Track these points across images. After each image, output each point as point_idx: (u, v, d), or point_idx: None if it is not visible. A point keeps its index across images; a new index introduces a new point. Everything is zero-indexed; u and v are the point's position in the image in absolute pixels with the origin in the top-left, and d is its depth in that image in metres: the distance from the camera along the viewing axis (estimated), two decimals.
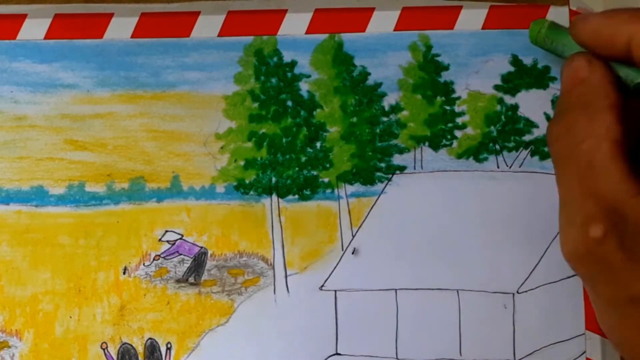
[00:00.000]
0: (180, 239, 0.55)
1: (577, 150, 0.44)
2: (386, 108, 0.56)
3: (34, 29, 0.56)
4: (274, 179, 0.56)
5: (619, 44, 0.45)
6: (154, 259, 0.55)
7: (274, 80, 0.56)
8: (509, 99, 0.56)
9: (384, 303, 0.55)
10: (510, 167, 0.56)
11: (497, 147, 0.56)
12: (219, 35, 0.56)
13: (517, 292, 0.55)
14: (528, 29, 0.53)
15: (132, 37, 0.56)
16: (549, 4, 0.56)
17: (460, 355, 0.55)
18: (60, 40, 0.56)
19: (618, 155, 0.43)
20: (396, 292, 0.55)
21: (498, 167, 0.56)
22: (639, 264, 0.42)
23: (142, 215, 0.55)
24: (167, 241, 0.55)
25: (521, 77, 0.56)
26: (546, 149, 0.56)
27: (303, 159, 0.56)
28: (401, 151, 0.56)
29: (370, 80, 0.56)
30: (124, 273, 0.55)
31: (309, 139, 0.56)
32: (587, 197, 0.43)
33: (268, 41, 0.56)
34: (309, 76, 0.56)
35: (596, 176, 0.43)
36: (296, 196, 0.55)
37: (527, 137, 0.56)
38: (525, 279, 0.54)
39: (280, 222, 0.55)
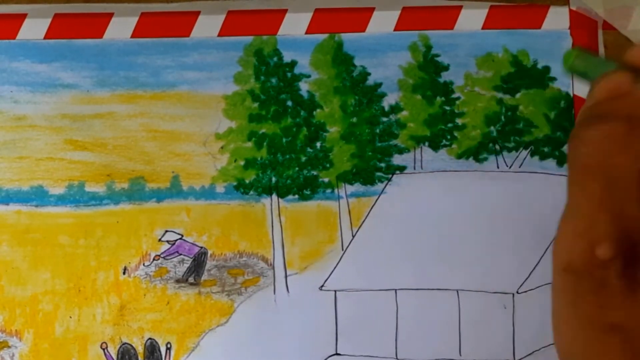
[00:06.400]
0: (180, 239, 0.55)
1: (608, 162, 0.40)
2: (386, 108, 0.56)
3: (34, 28, 0.56)
4: (274, 179, 0.56)
5: None
6: (154, 259, 0.55)
7: (274, 80, 0.56)
8: (508, 99, 0.56)
9: (384, 303, 0.55)
10: (510, 167, 0.56)
11: (497, 147, 0.56)
12: (219, 35, 0.56)
13: (517, 292, 0.55)
14: (528, 29, 0.53)
15: (132, 37, 0.56)
16: (549, 4, 0.56)
17: (460, 355, 0.55)
18: (60, 40, 0.56)
19: None
20: (396, 292, 0.55)
21: (498, 167, 0.56)
22: (633, 294, 0.40)
23: (142, 215, 0.55)
24: (167, 241, 0.55)
25: (521, 77, 0.56)
26: (546, 149, 0.56)
27: (303, 159, 0.56)
28: (401, 151, 0.56)
29: (370, 81, 0.56)
30: (124, 273, 0.55)
31: (309, 139, 0.56)
32: (605, 214, 0.40)
33: (268, 41, 0.56)
34: (309, 76, 0.56)
35: (622, 196, 0.40)
36: (296, 196, 0.55)
37: (526, 138, 0.56)
38: (525, 279, 0.54)
39: (280, 222, 0.55)
